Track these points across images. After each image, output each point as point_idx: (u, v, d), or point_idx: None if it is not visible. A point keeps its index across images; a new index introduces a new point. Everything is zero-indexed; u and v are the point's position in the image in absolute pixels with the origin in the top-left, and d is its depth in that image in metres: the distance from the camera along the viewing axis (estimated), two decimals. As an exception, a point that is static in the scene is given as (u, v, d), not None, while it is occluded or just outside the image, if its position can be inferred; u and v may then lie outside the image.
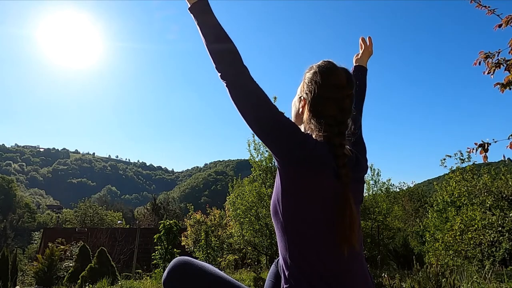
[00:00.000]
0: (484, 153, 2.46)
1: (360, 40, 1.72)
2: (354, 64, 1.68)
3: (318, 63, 1.19)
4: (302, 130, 1.23)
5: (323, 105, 1.12)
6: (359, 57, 1.68)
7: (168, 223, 12.06)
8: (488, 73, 2.44)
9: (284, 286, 1.04)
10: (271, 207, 1.09)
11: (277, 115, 1.05)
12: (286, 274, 1.04)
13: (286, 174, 1.02)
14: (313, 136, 1.15)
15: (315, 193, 1.00)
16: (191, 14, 1.13)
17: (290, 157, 1.01)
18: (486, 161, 2.49)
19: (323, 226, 1.01)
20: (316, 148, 1.03)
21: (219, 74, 1.08)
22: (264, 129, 1.06)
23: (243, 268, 11.82)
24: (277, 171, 1.07)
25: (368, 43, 1.68)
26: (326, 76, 1.14)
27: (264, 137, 1.07)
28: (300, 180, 1.01)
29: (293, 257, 1.02)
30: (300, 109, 1.21)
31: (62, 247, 12.67)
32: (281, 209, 1.04)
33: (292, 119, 1.29)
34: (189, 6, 1.13)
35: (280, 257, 1.09)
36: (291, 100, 1.31)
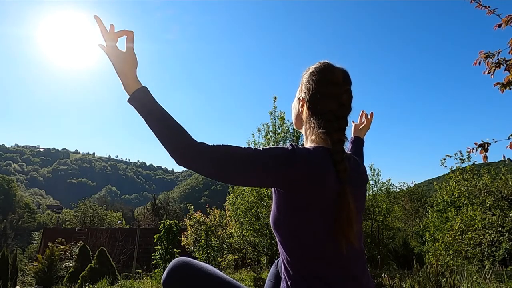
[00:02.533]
0: (484, 153, 2.47)
1: (361, 113, 1.80)
2: (353, 135, 1.75)
3: (315, 64, 1.20)
4: (303, 131, 1.23)
5: (321, 102, 1.13)
6: (359, 128, 1.76)
7: (168, 223, 12.08)
8: (488, 73, 2.44)
9: (286, 285, 1.04)
10: (271, 220, 1.08)
11: (254, 163, 0.99)
12: (287, 276, 1.04)
13: (287, 193, 1.02)
14: (312, 136, 1.15)
15: (317, 202, 1.00)
16: (132, 106, 1.07)
17: (288, 182, 0.99)
18: (486, 161, 2.49)
19: (324, 229, 1.00)
20: (310, 155, 1.02)
21: (176, 161, 1.01)
22: (254, 181, 1.04)
23: (243, 268, 11.82)
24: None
25: (369, 118, 1.76)
26: (323, 74, 1.16)
27: (259, 185, 1.05)
28: (301, 194, 1.00)
29: (294, 260, 1.02)
30: (300, 109, 1.22)
31: (62, 247, 12.68)
32: (283, 222, 1.03)
33: (293, 121, 1.30)
34: (129, 97, 1.07)
35: (281, 259, 1.08)
36: (291, 100, 1.32)
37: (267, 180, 1.01)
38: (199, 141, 1.01)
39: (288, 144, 1.04)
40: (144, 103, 1.05)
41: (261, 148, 1.02)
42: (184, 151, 0.99)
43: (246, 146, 1.01)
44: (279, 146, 1.04)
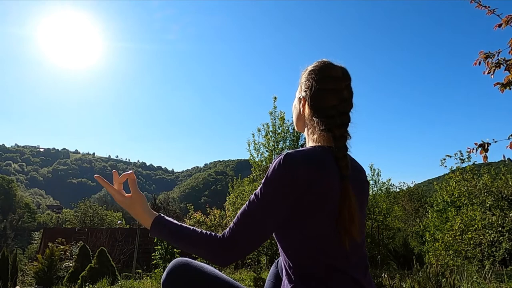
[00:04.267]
0: (484, 153, 2.46)
1: None
2: None
3: (313, 64, 1.20)
4: (305, 132, 1.21)
5: (322, 98, 1.12)
6: None
7: (168, 223, 12.05)
8: (488, 73, 2.44)
9: (288, 287, 1.03)
10: None
11: (269, 211, 1.00)
12: (288, 279, 1.04)
13: (291, 208, 1.01)
14: (314, 136, 1.14)
15: (318, 203, 0.99)
16: (155, 236, 1.13)
17: (297, 190, 0.99)
18: (486, 161, 2.48)
19: (326, 231, 1.00)
20: (306, 157, 1.01)
21: (220, 266, 1.07)
22: (282, 216, 1.02)
23: (243, 268, 11.80)
24: None
25: None
26: (323, 71, 1.15)
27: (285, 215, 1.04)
28: (302, 197, 0.99)
29: (295, 262, 1.02)
30: (301, 109, 1.20)
31: (62, 247, 12.64)
32: (284, 227, 1.03)
33: (294, 123, 1.28)
34: (150, 231, 1.14)
35: (281, 259, 1.08)
36: (291, 100, 1.31)
37: (287, 204, 1.00)
38: (218, 236, 1.03)
39: (280, 157, 1.01)
40: (162, 233, 1.12)
41: (259, 192, 1.01)
42: (217, 256, 1.03)
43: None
44: (271, 171, 1.01)
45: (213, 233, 1.05)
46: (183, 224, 1.11)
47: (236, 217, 1.04)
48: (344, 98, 1.13)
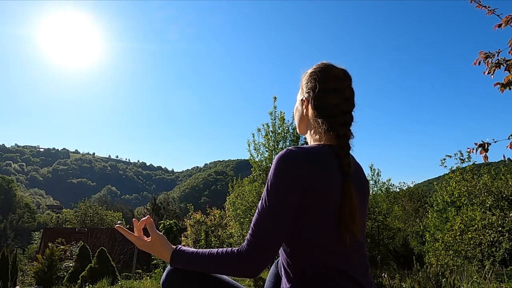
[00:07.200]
0: (484, 153, 2.46)
1: None
2: None
3: (313, 66, 1.21)
4: (308, 134, 1.22)
5: (326, 97, 1.13)
6: None
7: (168, 223, 12.08)
8: (488, 73, 2.44)
9: (287, 286, 1.03)
10: None
11: (282, 213, 0.99)
12: (287, 279, 1.04)
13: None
14: (316, 136, 1.15)
15: (320, 202, 0.99)
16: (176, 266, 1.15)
17: (302, 189, 0.99)
18: (486, 161, 2.48)
19: (326, 231, 1.00)
20: (307, 156, 1.01)
21: (249, 278, 1.07)
22: (292, 214, 1.02)
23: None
24: None
25: None
26: (324, 71, 1.16)
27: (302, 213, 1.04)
28: (303, 197, 0.99)
29: (294, 262, 1.02)
30: (304, 111, 1.20)
31: (62, 247, 12.64)
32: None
33: (297, 126, 1.28)
34: (170, 264, 1.15)
35: (280, 261, 1.08)
36: (291, 100, 1.31)
37: (294, 206, 0.99)
38: (237, 250, 1.03)
39: (281, 156, 1.01)
40: (181, 263, 1.12)
41: (266, 199, 1.00)
42: (241, 271, 1.03)
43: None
44: (273, 172, 1.01)
45: (230, 249, 1.04)
46: (199, 250, 1.11)
47: (250, 228, 1.03)
48: (346, 97, 1.14)
